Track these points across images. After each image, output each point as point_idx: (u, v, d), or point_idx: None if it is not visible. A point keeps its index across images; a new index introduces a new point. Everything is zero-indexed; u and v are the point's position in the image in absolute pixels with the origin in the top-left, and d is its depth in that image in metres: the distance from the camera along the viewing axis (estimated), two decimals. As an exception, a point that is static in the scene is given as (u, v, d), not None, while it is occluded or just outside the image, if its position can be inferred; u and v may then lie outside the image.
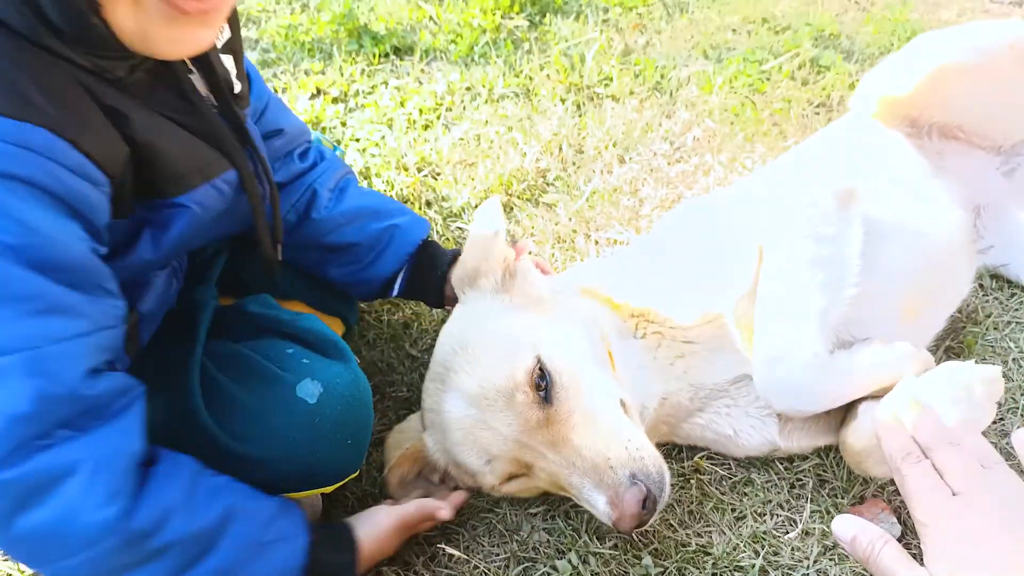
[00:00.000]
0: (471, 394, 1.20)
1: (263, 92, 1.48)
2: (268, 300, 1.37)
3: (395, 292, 1.56)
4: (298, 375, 1.17)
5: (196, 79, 1.11)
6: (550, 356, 1.22)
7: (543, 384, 1.19)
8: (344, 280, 1.55)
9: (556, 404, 1.18)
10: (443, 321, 1.62)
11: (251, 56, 2.69)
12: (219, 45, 1.17)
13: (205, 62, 1.12)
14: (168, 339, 1.27)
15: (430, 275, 1.54)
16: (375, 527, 1.22)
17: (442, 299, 1.55)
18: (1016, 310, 1.66)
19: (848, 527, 0.90)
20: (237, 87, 1.21)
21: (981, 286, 1.71)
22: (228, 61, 1.19)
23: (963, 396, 1.20)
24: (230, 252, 1.48)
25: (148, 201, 1.05)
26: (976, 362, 1.46)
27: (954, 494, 0.85)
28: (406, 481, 1.39)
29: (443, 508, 1.29)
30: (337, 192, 1.55)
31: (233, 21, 1.20)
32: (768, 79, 2.44)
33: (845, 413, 1.41)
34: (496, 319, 1.30)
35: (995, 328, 1.63)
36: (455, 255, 1.52)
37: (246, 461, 1.12)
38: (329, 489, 1.24)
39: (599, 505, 1.13)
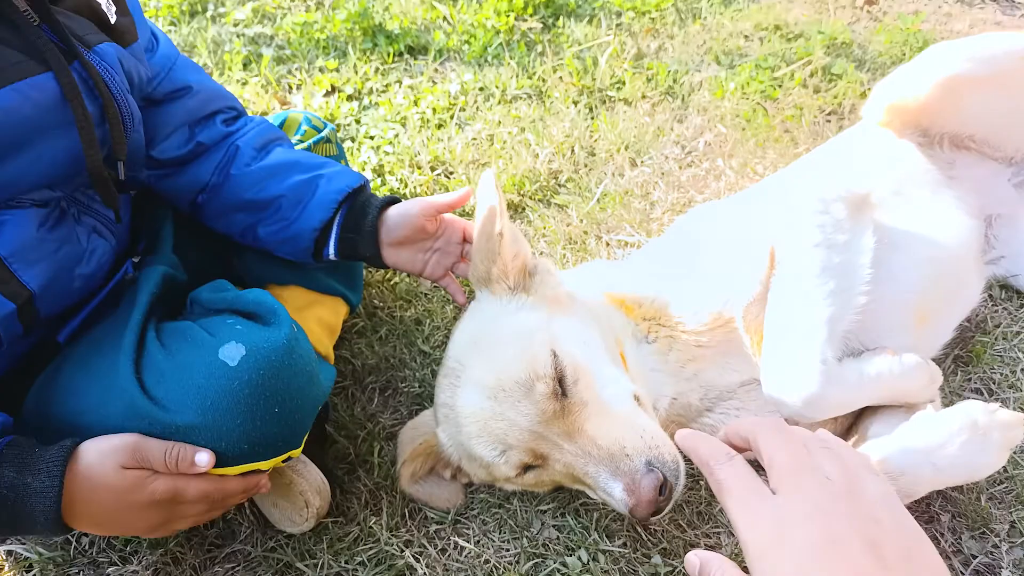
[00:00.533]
0: (488, 386, 1.21)
1: (171, 52, 1.47)
2: (222, 284, 1.33)
3: (331, 250, 1.47)
4: (224, 339, 1.13)
5: None
6: (565, 350, 1.24)
7: (559, 376, 1.21)
8: (274, 240, 1.48)
9: (571, 396, 1.21)
10: (455, 318, 1.64)
11: (266, 52, 2.71)
12: None
13: None
14: (115, 311, 1.27)
15: (361, 223, 1.45)
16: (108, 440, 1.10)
17: (379, 251, 1.47)
18: (1024, 320, 1.68)
19: (693, 560, 0.78)
20: (112, 19, 1.23)
21: (991, 296, 1.73)
22: None
23: (978, 439, 1.21)
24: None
25: None
26: (985, 372, 1.48)
27: (773, 493, 0.76)
28: (418, 476, 1.41)
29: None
30: (263, 153, 1.50)
31: None
32: (780, 86, 2.45)
33: (852, 420, 1.43)
34: (511, 315, 1.32)
35: (1004, 338, 1.64)
36: (390, 200, 1.48)
37: (167, 427, 1.09)
38: (266, 465, 1.18)
39: (615, 493, 1.15)
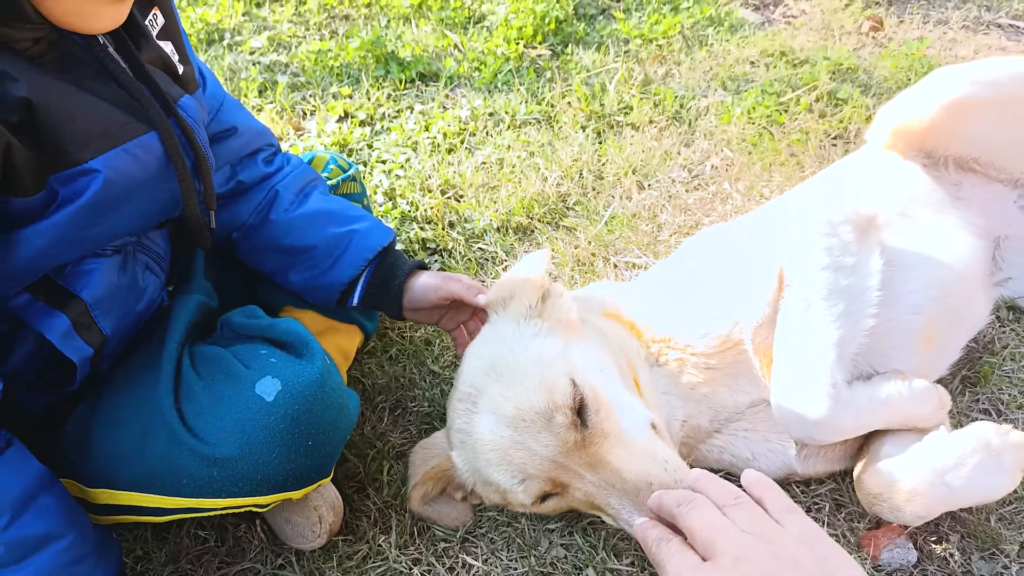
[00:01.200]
0: (507, 415, 1.20)
1: (218, 92, 1.51)
2: (254, 310, 1.38)
3: (355, 300, 1.52)
4: (260, 373, 1.16)
5: (113, 53, 1.13)
6: (584, 380, 1.23)
7: (578, 406, 1.19)
8: (305, 286, 1.53)
9: (591, 426, 1.19)
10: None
11: (281, 79, 2.77)
12: (153, 32, 1.23)
13: (123, 41, 1.15)
14: (151, 338, 1.30)
15: (389, 284, 1.50)
16: None
17: (401, 311, 1.52)
18: (1032, 341, 1.68)
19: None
20: (180, 69, 1.27)
21: (998, 318, 1.73)
22: (167, 46, 1.26)
23: (991, 461, 1.21)
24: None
25: (58, 172, 1.04)
26: (993, 392, 1.48)
27: (704, 560, 0.81)
28: (429, 498, 1.41)
29: None
30: (302, 196, 1.54)
31: (165, 9, 1.26)
32: (786, 111, 2.48)
33: (863, 441, 1.43)
34: (528, 343, 1.31)
35: (1012, 359, 1.64)
36: (418, 265, 1.54)
37: (206, 460, 1.12)
38: (297, 495, 1.22)
39: (636, 524, 1.13)
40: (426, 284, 1.50)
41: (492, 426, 1.22)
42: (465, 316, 1.57)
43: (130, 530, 1.42)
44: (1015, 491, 1.37)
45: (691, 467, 1.47)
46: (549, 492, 1.22)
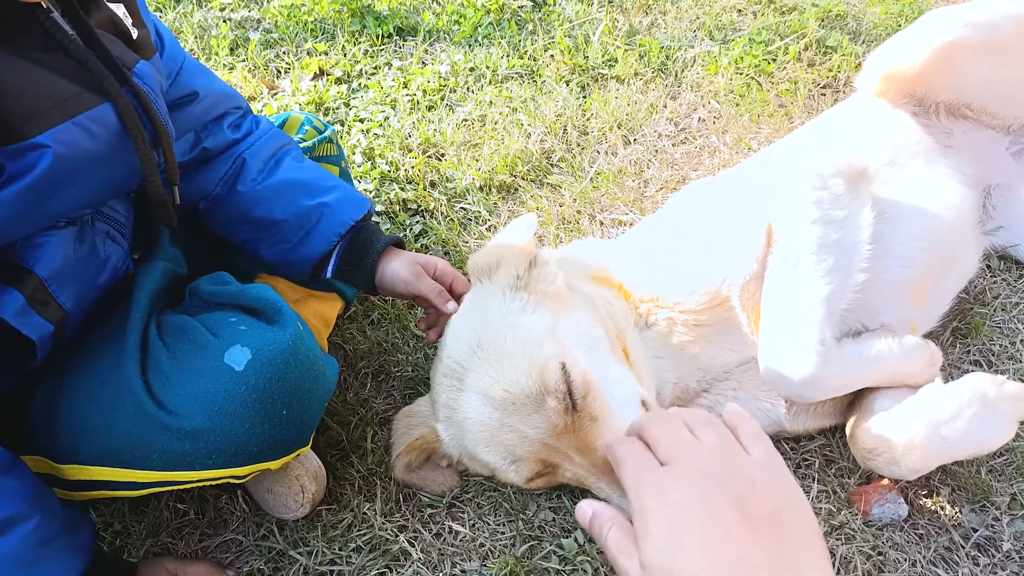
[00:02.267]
0: (495, 398, 1.17)
1: (177, 53, 1.43)
2: (223, 277, 1.32)
3: (328, 274, 1.46)
4: (229, 342, 1.12)
5: (58, 19, 1.06)
6: (574, 359, 1.20)
7: (569, 390, 1.17)
8: (276, 260, 1.47)
9: (581, 410, 1.17)
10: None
11: (253, 36, 2.67)
12: None
13: (70, 5, 1.08)
14: (115, 308, 1.25)
15: (361, 262, 1.44)
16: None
17: (373, 286, 1.46)
18: (1024, 291, 1.66)
19: (585, 509, 0.84)
20: (134, 33, 1.20)
21: (989, 267, 1.70)
22: (119, 9, 1.18)
23: (987, 412, 1.20)
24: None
25: (3, 147, 0.98)
26: (984, 344, 1.46)
27: (662, 465, 0.80)
28: (413, 467, 1.38)
29: None
30: (272, 164, 1.47)
31: None
32: (774, 60, 2.42)
33: (853, 396, 1.40)
34: (515, 319, 1.26)
35: (1003, 309, 1.62)
36: (393, 242, 1.46)
37: (176, 432, 1.09)
38: (275, 465, 1.19)
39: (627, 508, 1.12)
40: (395, 274, 1.42)
41: (480, 406, 1.20)
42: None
43: (107, 505, 1.39)
44: (1006, 442, 1.36)
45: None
46: (540, 472, 1.21)
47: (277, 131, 1.55)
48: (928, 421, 1.20)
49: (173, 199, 1.26)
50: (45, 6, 1.02)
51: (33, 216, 1.04)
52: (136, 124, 1.11)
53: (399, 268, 1.43)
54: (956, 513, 1.30)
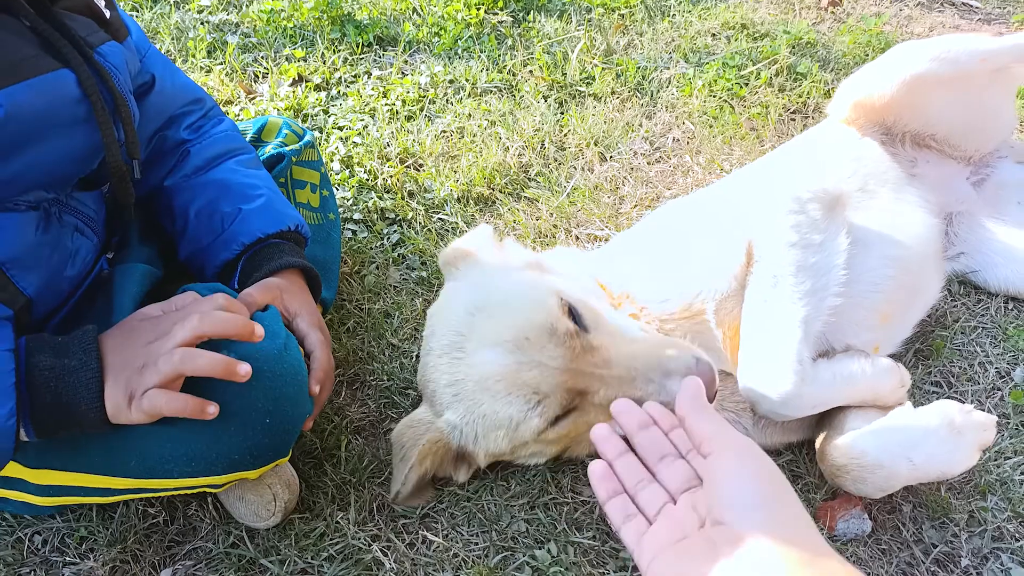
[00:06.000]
0: (508, 341, 1.20)
1: (142, 44, 1.42)
2: (218, 288, 1.27)
3: (234, 284, 1.38)
4: (215, 347, 1.09)
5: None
6: (570, 294, 1.27)
7: (574, 316, 1.23)
8: (188, 261, 1.42)
9: (592, 330, 1.23)
10: (425, 311, 1.62)
11: (231, 40, 2.65)
12: None
13: None
14: (93, 309, 1.24)
15: (245, 281, 1.35)
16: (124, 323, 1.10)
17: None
18: (982, 315, 1.72)
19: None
20: (107, 14, 1.21)
21: (950, 291, 1.76)
22: None
23: (954, 438, 1.25)
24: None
25: None
26: (944, 365, 1.51)
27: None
28: (427, 478, 1.35)
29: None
30: (215, 164, 1.44)
31: None
32: (746, 84, 2.48)
33: (822, 414, 1.44)
34: (503, 276, 1.33)
35: (962, 332, 1.68)
36: (295, 265, 1.37)
37: (157, 439, 1.07)
38: (253, 475, 1.18)
39: (675, 389, 1.10)
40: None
41: (493, 358, 1.22)
42: None
43: (73, 510, 1.36)
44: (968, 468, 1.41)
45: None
46: (567, 408, 1.23)
47: (234, 134, 1.52)
48: (897, 442, 1.24)
49: (132, 171, 1.25)
50: None
51: None
52: (96, 92, 1.10)
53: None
54: (917, 529, 1.34)
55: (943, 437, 1.24)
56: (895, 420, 1.27)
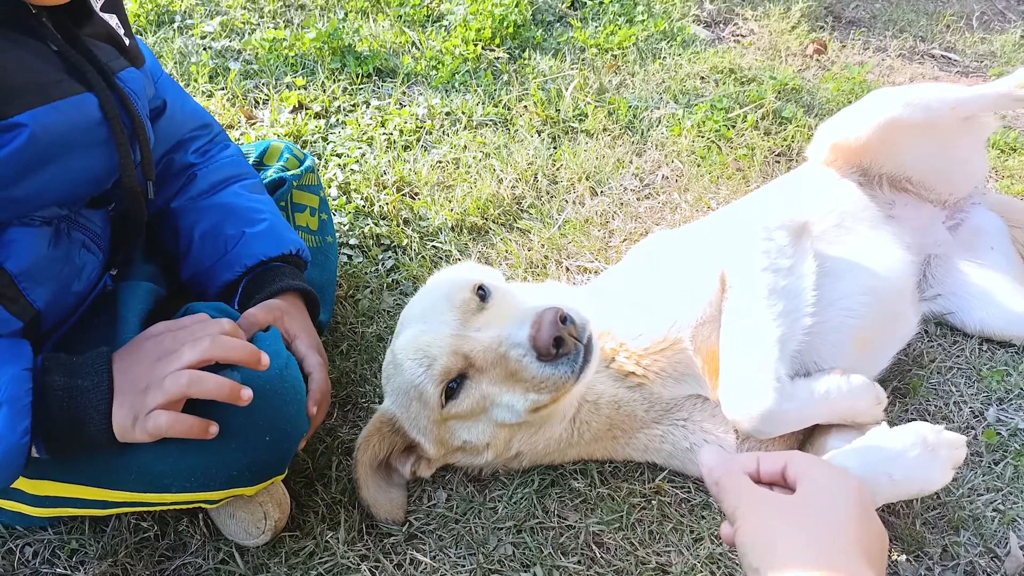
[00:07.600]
0: (417, 315, 1.40)
1: (155, 70, 1.47)
2: (221, 307, 1.33)
3: (235, 305, 1.42)
4: (218, 365, 1.12)
5: (46, 23, 1.10)
6: (492, 283, 1.45)
7: (482, 293, 1.40)
8: (190, 281, 1.46)
9: (490, 301, 1.40)
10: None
11: (233, 66, 2.71)
12: (97, 5, 1.22)
13: (60, 17, 1.13)
14: (97, 325, 1.27)
15: (246, 303, 1.38)
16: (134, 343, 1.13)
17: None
18: (958, 356, 1.78)
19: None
20: (127, 42, 1.28)
21: (927, 332, 1.83)
22: (112, 19, 1.25)
23: (928, 455, 1.29)
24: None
25: None
26: (921, 403, 1.56)
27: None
28: (377, 458, 1.41)
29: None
30: (221, 188, 1.48)
31: None
32: (733, 126, 2.56)
33: (804, 437, 1.49)
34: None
35: (939, 372, 1.74)
36: (295, 288, 1.41)
37: (155, 453, 1.09)
38: (250, 491, 1.21)
39: (523, 336, 1.23)
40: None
41: (408, 334, 1.37)
42: None
43: (65, 523, 1.37)
44: (938, 496, 1.46)
45: (630, 462, 1.52)
46: (458, 372, 1.30)
47: (239, 159, 1.57)
48: (877, 460, 1.29)
49: (147, 192, 1.29)
50: (34, 11, 1.07)
51: (5, 199, 1.05)
52: (116, 116, 1.15)
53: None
54: (891, 563, 1.37)
55: (919, 454, 1.29)
56: (873, 439, 1.32)
